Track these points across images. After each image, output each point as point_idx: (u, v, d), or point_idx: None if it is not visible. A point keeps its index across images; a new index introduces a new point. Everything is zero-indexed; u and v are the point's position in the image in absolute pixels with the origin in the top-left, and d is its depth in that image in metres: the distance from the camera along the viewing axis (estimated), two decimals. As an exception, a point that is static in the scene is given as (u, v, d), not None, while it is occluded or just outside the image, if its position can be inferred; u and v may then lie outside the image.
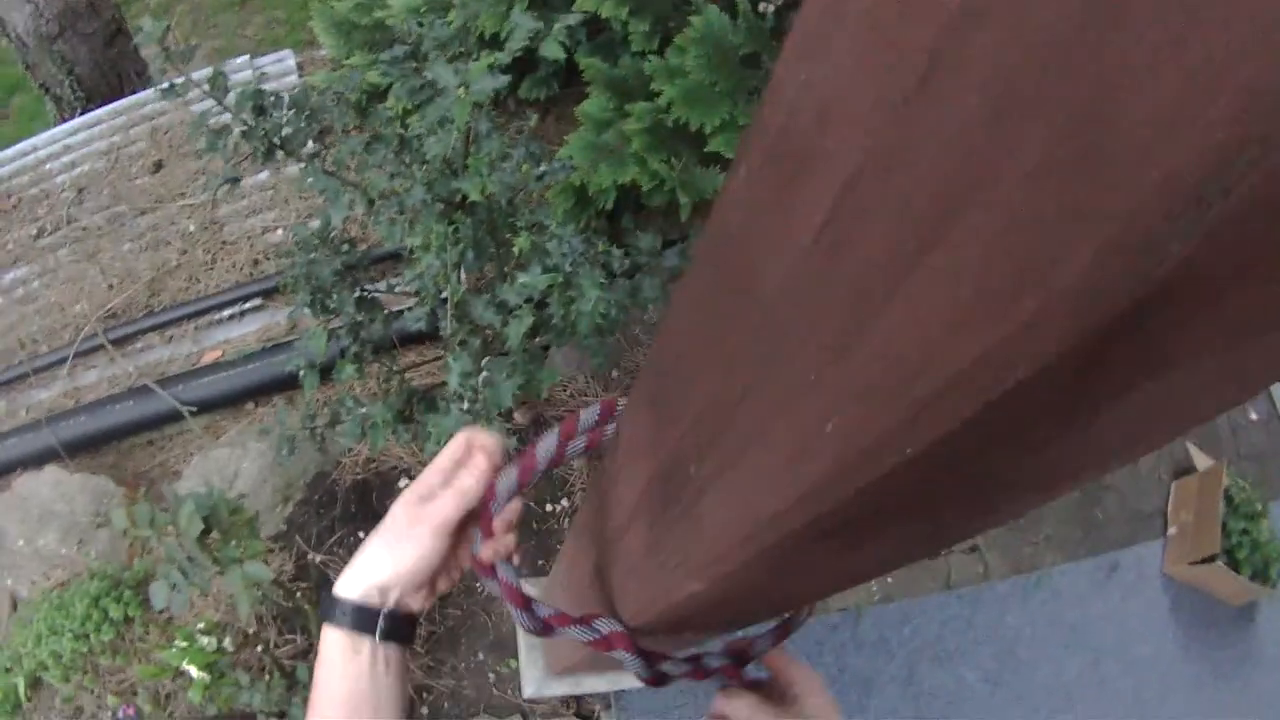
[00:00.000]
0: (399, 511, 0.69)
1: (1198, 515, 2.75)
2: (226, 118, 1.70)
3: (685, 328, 0.52)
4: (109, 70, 3.52)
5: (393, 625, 0.67)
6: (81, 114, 3.45)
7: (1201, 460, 2.92)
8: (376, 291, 2.07)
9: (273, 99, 1.81)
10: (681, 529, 0.54)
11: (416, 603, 0.70)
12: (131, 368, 2.80)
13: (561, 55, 2.14)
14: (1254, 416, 3.20)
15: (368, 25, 2.71)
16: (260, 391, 2.73)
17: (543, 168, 1.84)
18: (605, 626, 0.70)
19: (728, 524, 0.46)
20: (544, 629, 0.71)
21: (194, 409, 2.64)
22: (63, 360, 2.79)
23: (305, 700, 1.81)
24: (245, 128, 1.77)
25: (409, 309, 1.91)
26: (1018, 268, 0.23)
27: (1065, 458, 0.33)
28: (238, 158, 1.74)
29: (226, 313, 2.92)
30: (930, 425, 0.28)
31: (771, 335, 0.38)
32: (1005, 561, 2.65)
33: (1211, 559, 2.63)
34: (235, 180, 1.75)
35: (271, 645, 1.99)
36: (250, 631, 1.98)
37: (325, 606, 0.68)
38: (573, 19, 1.88)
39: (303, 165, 1.88)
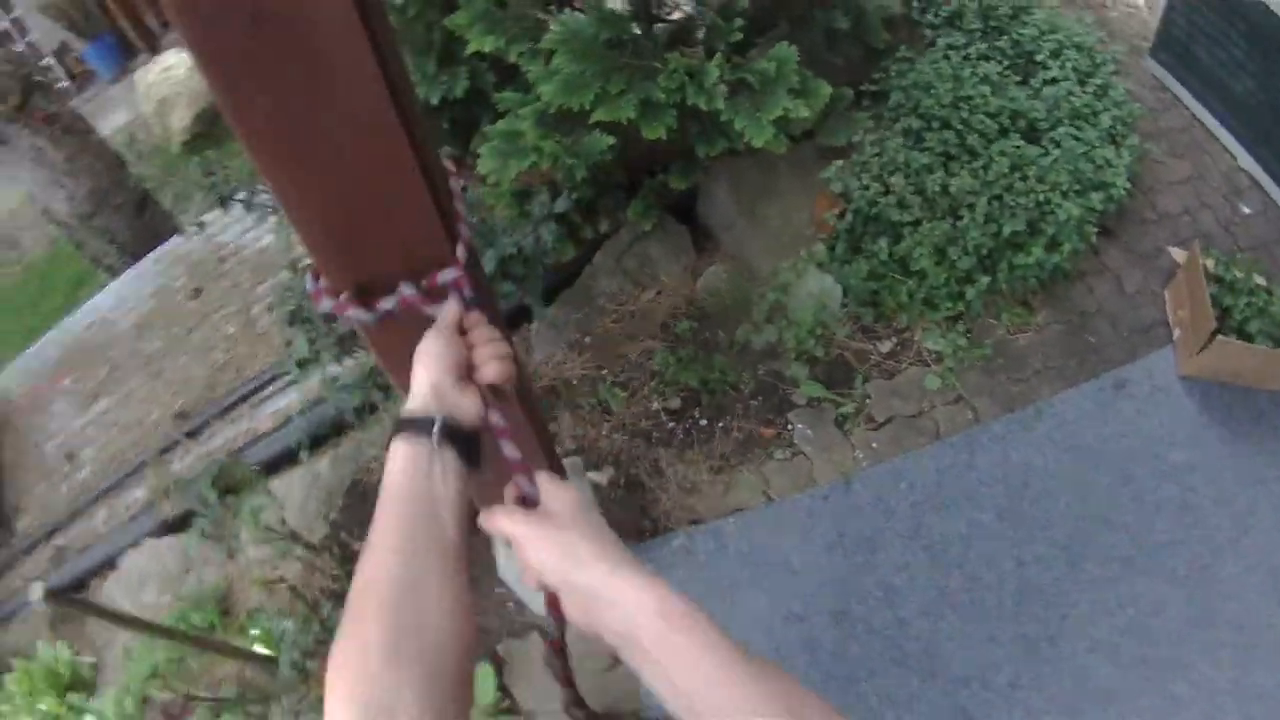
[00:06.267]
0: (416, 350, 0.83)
1: (1191, 305, 2.67)
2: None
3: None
4: (145, 233, 4.16)
5: (445, 431, 0.74)
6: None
7: (1182, 258, 2.86)
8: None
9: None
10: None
11: (465, 408, 0.78)
12: (204, 451, 3.25)
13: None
14: (1247, 210, 3.11)
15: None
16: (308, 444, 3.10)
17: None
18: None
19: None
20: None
21: (257, 468, 3.04)
22: (144, 463, 3.27)
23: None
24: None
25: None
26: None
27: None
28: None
29: (270, 389, 3.35)
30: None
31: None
32: (994, 404, 2.63)
33: (1212, 337, 2.52)
34: (224, 200, 2.19)
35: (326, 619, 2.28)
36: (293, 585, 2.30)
37: (391, 429, 0.76)
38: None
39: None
